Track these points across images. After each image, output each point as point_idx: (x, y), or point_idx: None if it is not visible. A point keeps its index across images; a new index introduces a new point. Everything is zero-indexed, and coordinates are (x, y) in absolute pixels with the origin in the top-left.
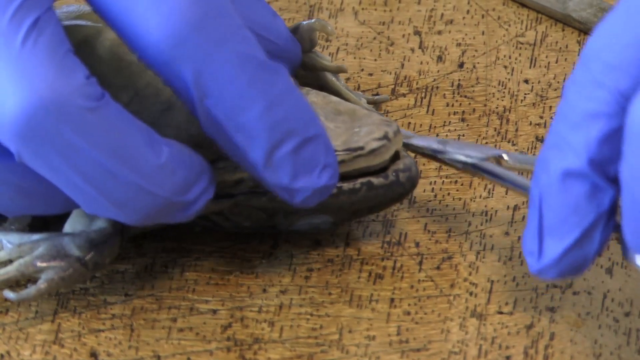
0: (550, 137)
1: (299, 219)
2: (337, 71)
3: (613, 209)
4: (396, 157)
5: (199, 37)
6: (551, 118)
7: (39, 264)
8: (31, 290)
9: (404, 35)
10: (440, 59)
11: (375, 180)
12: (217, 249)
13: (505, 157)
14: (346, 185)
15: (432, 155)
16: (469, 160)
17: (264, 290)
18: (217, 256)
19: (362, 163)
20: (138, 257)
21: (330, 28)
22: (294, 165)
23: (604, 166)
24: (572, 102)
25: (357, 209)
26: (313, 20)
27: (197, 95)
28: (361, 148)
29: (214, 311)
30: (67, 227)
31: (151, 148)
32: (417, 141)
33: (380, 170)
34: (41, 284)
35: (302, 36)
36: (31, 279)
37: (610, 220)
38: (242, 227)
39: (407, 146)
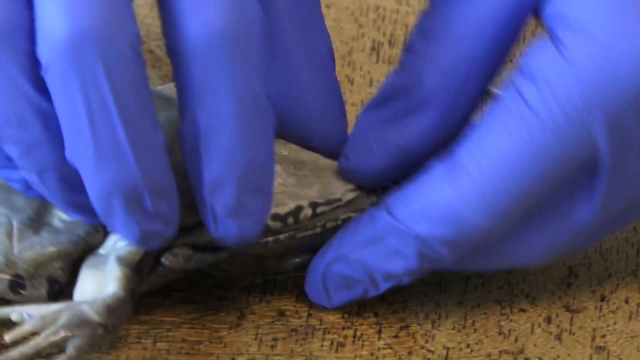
0: None
1: (287, 260)
2: None
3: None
4: None
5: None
6: None
7: (64, 332)
8: (61, 358)
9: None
10: None
11: (354, 215)
12: (186, 320)
13: None
14: (329, 224)
15: None
16: None
17: (233, 359)
18: (187, 327)
19: (340, 213)
20: None
21: None
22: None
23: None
24: None
25: None
26: None
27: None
28: (339, 200)
29: None
30: (77, 294)
31: (154, 132)
32: None
33: None
34: (70, 351)
35: None
36: (58, 349)
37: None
38: (234, 274)
39: None
